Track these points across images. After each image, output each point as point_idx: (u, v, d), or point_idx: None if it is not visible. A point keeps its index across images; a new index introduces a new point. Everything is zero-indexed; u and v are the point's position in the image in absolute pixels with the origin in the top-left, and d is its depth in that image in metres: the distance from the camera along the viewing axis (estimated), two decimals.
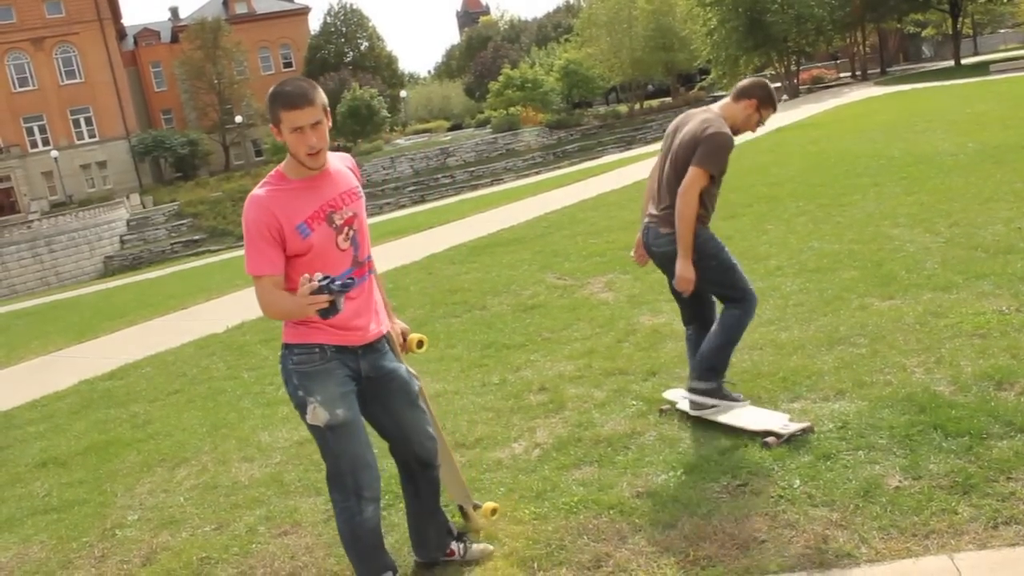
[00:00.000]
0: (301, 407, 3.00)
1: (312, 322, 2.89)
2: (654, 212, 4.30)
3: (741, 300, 4.25)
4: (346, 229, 2.96)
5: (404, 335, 3.41)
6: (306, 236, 2.86)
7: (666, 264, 4.29)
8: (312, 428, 3.02)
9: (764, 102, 4.12)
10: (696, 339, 4.49)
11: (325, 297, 2.62)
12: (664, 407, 4.65)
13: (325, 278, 2.64)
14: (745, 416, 4.28)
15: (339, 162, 3.08)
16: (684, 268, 4.08)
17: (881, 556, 3.04)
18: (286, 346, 3.02)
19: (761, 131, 4.40)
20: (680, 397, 4.71)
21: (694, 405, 4.35)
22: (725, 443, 4.13)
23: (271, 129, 2.89)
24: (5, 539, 4.58)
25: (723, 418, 4.27)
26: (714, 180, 4.09)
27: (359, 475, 3.05)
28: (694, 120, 4.18)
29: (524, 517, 3.75)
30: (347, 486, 3.05)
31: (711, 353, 4.30)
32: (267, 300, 2.88)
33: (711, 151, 3.98)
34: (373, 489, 3.10)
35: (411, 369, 3.36)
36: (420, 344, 3.44)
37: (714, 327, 4.34)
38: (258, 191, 2.88)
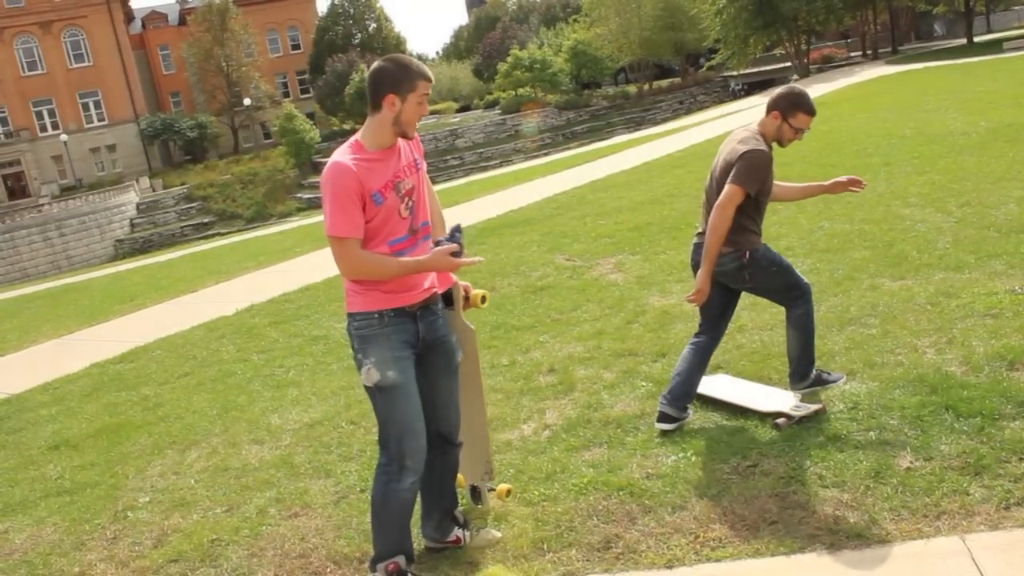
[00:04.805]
0: (359, 367, 3.18)
1: (371, 289, 3.10)
2: (701, 231, 4.24)
3: (801, 296, 4.20)
4: (407, 199, 3.13)
5: (467, 291, 3.59)
6: (379, 204, 3.04)
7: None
8: (367, 390, 3.18)
9: (786, 111, 4.04)
10: (705, 348, 4.29)
11: (455, 247, 3.09)
12: None
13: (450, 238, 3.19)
14: (757, 397, 4.27)
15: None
16: (703, 280, 4.03)
17: (892, 537, 3.04)
18: (350, 314, 3.19)
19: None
20: None
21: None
22: (735, 424, 4.13)
23: (387, 99, 2.99)
24: (19, 521, 4.61)
25: (733, 399, 4.27)
26: (753, 197, 4.01)
27: (404, 441, 3.15)
28: (732, 139, 4.19)
29: (533, 498, 3.76)
30: (391, 450, 3.18)
31: (800, 354, 4.24)
32: (356, 260, 3.05)
33: (744, 169, 3.96)
34: (416, 460, 3.18)
35: (469, 324, 3.61)
36: (484, 299, 3.63)
37: (790, 332, 4.25)
38: (343, 159, 3.01)
